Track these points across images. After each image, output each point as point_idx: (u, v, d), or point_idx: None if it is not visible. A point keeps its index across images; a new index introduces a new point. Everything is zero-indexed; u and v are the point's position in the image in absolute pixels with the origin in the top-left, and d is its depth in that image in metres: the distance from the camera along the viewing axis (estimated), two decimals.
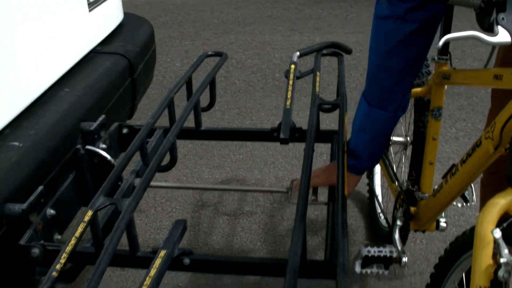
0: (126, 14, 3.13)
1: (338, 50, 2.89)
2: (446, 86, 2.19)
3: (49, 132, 2.04)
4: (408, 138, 2.67)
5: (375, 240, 2.85)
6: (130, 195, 1.66)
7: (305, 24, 6.30)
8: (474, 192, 2.17)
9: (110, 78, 2.55)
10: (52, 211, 1.85)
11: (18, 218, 1.72)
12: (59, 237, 1.91)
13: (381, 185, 3.00)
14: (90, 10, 2.61)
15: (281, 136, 2.23)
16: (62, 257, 1.46)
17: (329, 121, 3.62)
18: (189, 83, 2.39)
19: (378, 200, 2.92)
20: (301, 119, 3.88)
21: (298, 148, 3.62)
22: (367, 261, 2.00)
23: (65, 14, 2.38)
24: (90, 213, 1.59)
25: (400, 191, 2.34)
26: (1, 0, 1.92)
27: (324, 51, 2.87)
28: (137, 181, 2.13)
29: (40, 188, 1.82)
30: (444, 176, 2.02)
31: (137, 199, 1.66)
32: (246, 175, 3.40)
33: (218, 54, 2.63)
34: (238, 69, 4.98)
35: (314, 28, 6.17)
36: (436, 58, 2.23)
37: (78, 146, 2.06)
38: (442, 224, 2.26)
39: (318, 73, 2.59)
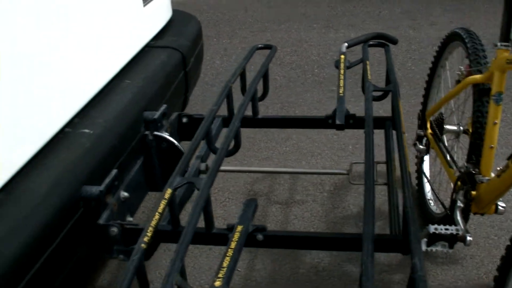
0: (174, 11, 3.22)
1: (384, 41, 2.96)
2: (507, 72, 2.26)
3: (116, 120, 2.13)
4: (461, 127, 2.72)
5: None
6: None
7: (339, 21, 6.36)
8: None
9: (166, 71, 2.64)
10: (126, 194, 1.93)
11: (96, 199, 1.80)
12: (131, 218, 1.99)
13: (429, 170, 3.07)
14: (144, 5, 2.70)
15: (337, 122, 2.30)
16: (148, 230, 1.54)
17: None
18: (243, 74, 2.46)
19: (431, 186, 2.97)
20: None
21: (342, 140, 3.68)
22: (433, 239, 2.04)
23: (123, 9, 2.47)
24: (169, 191, 1.67)
25: (460, 175, 2.39)
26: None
27: (371, 42, 2.94)
28: (203, 165, 2.22)
29: (115, 171, 1.91)
30: (510, 157, 2.07)
31: (212, 177, 1.74)
32: (294, 165, 3.47)
33: (268, 46, 2.70)
34: (278, 66, 5.05)
35: (348, 25, 6.22)
36: (498, 44, 2.30)
37: (147, 132, 2.14)
38: (501, 207, 2.30)
39: (368, 62, 2.66)
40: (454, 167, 2.53)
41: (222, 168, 2.09)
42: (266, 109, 4.16)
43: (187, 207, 2.05)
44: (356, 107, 3.79)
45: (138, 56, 2.62)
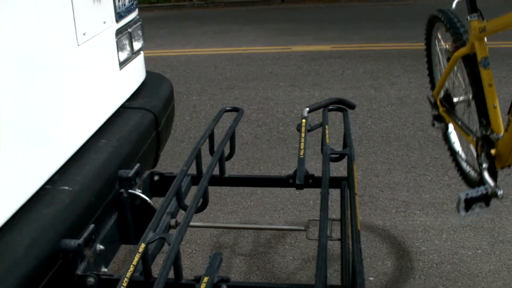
0: (147, 72, 3.43)
1: (343, 106, 3.20)
2: (485, 38, 2.51)
3: (93, 178, 2.31)
4: (470, 95, 2.91)
5: None
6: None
7: (304, 80, 6.63)
8: None
9: (140, 131, 2.83)
10: (101, 246, 2.11)
11: (74, 252, 1.97)
12: (105, 269, 2.16)
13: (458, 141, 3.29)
14: (120, 69, 2.90)
15: (297, 182, 2.52)
16: (124, 281, 1.72)
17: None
18: (211, 136, 2.66)
19: (460, 155, 3.19)
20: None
21: (304, 196, 3.88)
22: (469, 204, 2.21)
23: (101, 73, 2.67)
24: (143, 245, 1.85)
25: (478, 138, 2.60)
26: (52, 61, 2.21)
27: (331, 107, 3.18)
28: (173, 221, 2.40)
29: (92, 226, 2.08)
30: (509, 112, 2.29)
31: (182, 233, 1.93)
32: (258, 219, 3.66)
33: (235, 109, 2.92)
34: (245, 123, 5.28)
35: (313, 84, 6.50)
36: (468, 18, 2.62)
37: (122, 190, 2.33)
38: None
39: (327, 126, 2.89)
40: (471, 134, 2.73)
41: (191, 224, 2.27)
42: (232, 165, 4.36)
43: (157, 258, 2.23)
44: (318, 164, 4.01)
45: (114, 117, 2.81)
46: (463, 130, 2.85)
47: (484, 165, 2.52)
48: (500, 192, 2.25)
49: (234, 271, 3.14)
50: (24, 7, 2.00)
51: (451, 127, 3.27)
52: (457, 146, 3.30)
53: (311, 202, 3.83)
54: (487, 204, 2.26)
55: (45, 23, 2.15)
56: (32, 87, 2.09)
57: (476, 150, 2.62)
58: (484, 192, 2.23)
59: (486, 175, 2.47)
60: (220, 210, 3.77)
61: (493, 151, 2.49)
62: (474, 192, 2.23)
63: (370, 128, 5.12)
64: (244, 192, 3.97)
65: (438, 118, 3.21)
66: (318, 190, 3.76)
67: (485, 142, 2.53)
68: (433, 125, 3.24)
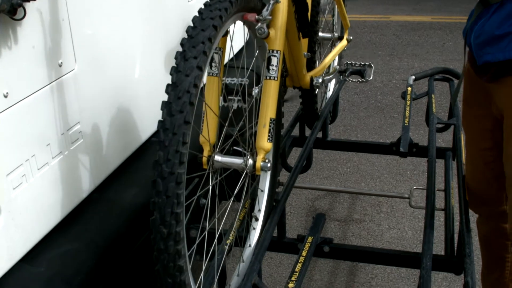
0: None
1: (449, 75, 3.14)
2: None
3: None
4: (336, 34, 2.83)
5: None
6: None
7: (403, 50, 6.52)
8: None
9: None
10: (204, 200, 2.15)
11: None
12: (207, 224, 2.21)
13: None
14: None
15: (401, 149, 2.50)
16: (231, 234, 1.76)
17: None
18: None
19: None
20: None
21: (401, 165, 3.85)
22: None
23: None
24: (249, 201, 1.89)
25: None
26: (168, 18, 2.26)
27: (437, 76, 3.13)
28: None
29: (196, 179, 2.13)
30: None
31: (288, 192, 1.96)
32: (354, 186, 3.66)
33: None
34: (342, 90, 5.22)
35: (412, 54, 6.38)
36: None
37: None
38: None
39: (433, 95, 2.86)
40: None
41: (296, 184, 2.30)
42: (329, 131, 4.35)
43: None
44: (415, 135, 3.97)
45: None
46: None
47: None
48: None
49: (329, 236, 3.15)
50: None
51: None
52: None
53: (408, 173, 3.79)
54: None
55: None
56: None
57: None
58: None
59: None
60: (315, 175, 3.79)
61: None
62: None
63: None
64: (341, 159, 3.97)
65: None
66: (416, 160, 3.78)
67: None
68: None
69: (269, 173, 1.88)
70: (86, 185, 1.87)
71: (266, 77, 1.62)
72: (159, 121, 1.20)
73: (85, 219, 1.82)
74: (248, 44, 1.77)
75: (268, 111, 1.60)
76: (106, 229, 1.82)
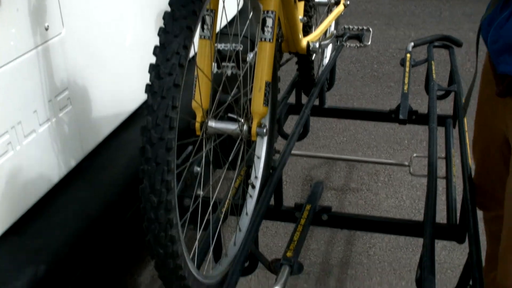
0: None
1: (449, 43, 3.08)
2: None
3: None
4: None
5: None
6: None
7: (399, 20, 6.43)
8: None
9: None
10: (198, 168, 2.09)
11: None
12: (201, 193, 2.15)
13: None
14: None
15: (400, 117, 2.44)
16: (226, 203, 1.71)
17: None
18: None
19: None
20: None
21: (398, 134, 3.79)
22: None
23: None
24: (245, 168, 1.84)
25: None
26: None
27: (436, 43, 3.06)
28: None
29: (190, 147, 2.07)
30: None
31: (285, 159, 1.90)
32: (351, 155, 3.61)
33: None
34: (338, 59, 5.15)
35: (408, 23, 6.29)
36: None
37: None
38: None
39: (433, 62, 2.79)
40: None
41: (293, 152, 2.24)
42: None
43: None
44: (413, 104, 3.90)
45: None
46: None
47: None
48: None
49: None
50: None
51: None
52: None
53: (406, 142, 3.74)
54: None
55: None
56: None
57: None
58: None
59: None
60: (311, 144, 3.73)
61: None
62: None
63: (468, 71, 4.94)
64: (337, 128, 3.91)
65: None
66: (414, 129, 3.73)
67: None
68: None
69: (265, 139, 1.83)
70: (76, 154, 1.81)
71: (261, 39, 1.56)
72: (147, 85, 1.13)
73: (75, 188, 1.76)
74: (241, 12, 1.70)
75: (264, 74, 1.53)
76: (97, 198, 1.77)
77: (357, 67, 5.03)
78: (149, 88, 1.13)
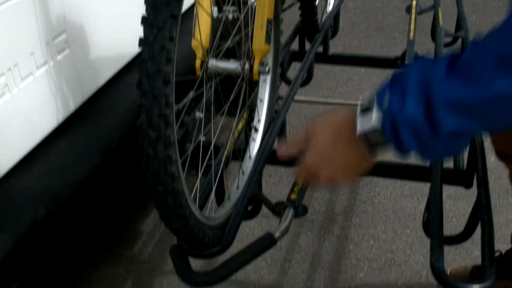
0: None
1: None
2: None
3: None
4: None
5: None
6: None
7: None
8: None
9: None
10: (199, 113, 2.05)
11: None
12: (203, 138, 2.12)
13: None
14: None
15: (406, 63, 2.39)
16: (228, 146, 1.68)
17: None
18: None
19: None
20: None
21: None
22: None
23: None
24: (247, 112, 1.80)
25: None
26: None
27: None
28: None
29: (191, 92, 2.03)
30: None
31: (288, 104, 1.87)
32: (355, 101, 3.55)
33: None
34: (341, 10, 5.08)
35: None
36: None
37: None
38: None
39: (439, 8, 2.73)
40: None
41: (296, 97, 2.20)
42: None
43: None
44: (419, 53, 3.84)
45: None
46: None
47: None
48: None
49: None
50: None
51: None
52: None
53: None
54: None
55: None
56: None
57: None
58: None
59: None
60: (315, 94, 3.68)
61: None
62: None
63: (474, 23, 4.86)
64: (341, 78, 3.86)
65: None
66: None
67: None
68: None
69: (268, 81, 1.79)
70: (75, 98, 1.78)
71: None
72: (142, 17, 1.09)
73: (74, 133, 1.73)
74: None
75: (265, 11, 1.49)
76: (96, 144, 1.74)
77: (361, 19, 4.96)
78: (144, 20, 1.08)
